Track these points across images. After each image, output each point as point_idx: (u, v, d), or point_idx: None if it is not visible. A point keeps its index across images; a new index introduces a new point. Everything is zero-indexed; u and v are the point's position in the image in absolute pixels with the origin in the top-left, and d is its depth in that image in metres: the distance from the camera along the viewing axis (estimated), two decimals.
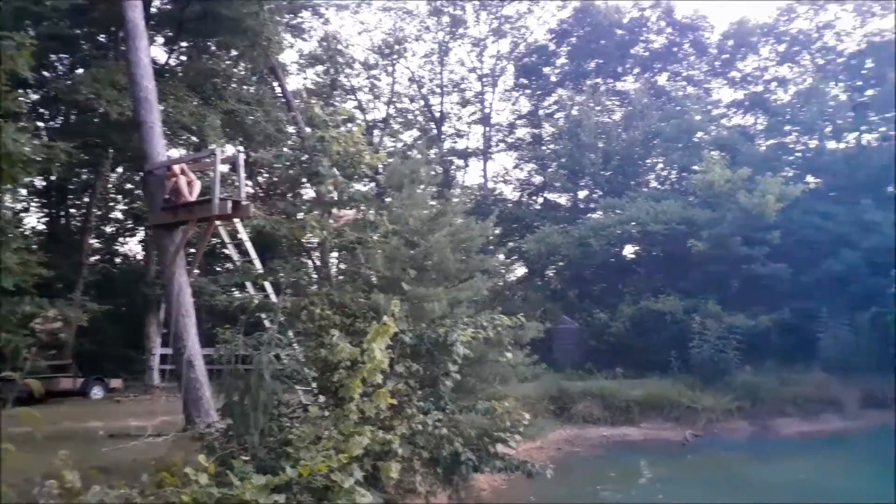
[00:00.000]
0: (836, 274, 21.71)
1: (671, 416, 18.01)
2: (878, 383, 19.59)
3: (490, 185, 34.60)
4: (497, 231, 31.64)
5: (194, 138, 19.17)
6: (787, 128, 28.40)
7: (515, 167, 35.62)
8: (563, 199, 32.64)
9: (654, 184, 29.98)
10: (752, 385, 19.00)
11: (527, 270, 29.58)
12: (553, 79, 34.37)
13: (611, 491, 13.25)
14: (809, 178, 26.96)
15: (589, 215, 28.56)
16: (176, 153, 17.86)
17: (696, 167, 25.80)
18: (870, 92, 28.95)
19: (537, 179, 34.19)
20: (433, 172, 13.37)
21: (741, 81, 32.38)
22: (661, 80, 33.25)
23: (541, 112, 34.66)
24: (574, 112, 29.28)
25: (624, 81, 34.09)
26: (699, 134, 27.39)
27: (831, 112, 26.82)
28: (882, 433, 18.14)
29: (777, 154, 27.26)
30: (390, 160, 14.74)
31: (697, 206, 24.47)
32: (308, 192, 16.04)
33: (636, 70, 33.68)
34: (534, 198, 34.29)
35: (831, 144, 27.93)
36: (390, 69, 32.52)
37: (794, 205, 22.52)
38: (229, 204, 9.93)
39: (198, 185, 10.58)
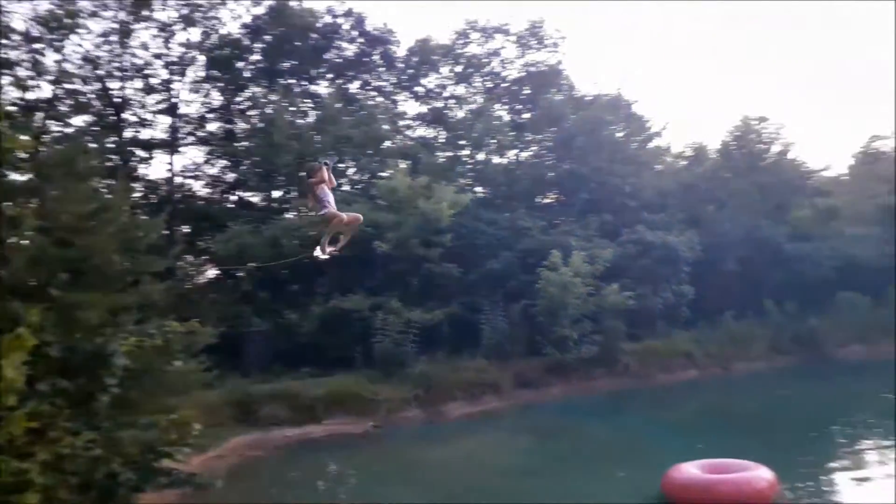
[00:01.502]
0: (496, 272, 24.95)
1: (353, 411, 18.88)
2: (527, 366, 23.01)
3: (178, 179, 32.40)
4: (186, 229, 29.99)
5: None
6: (462, 142, 31.70)
7: (206, 162, 33.90)
8: (256, 198, 32.01)
9: (346, 187, 31.06)
10: (426, 374, 20.86)
11: (219, 272, 28.38)
12: (246, 74, 33.44)
13: (291, 490, 13.42)
14: (478, 189, 30.57)
15: (284, 215, 28.52)
16: None
17: (382, 173, 27.40)
18: (526, 115, 34.00)
19: (230, 176, 33.00)
20: (99, 162, 12.10)
21: (425, 96, 35.17)
22: (353, 87, 34.49)
23: (233, 107, 33.51)
24: (268, 110, 28.92)
25: (318, 85, 34.61)
26: (386, 143, 29.18)
27: (496, 130, 30.61)
28: (530, 409, 21.38)
29: (453, 165, 30.30)
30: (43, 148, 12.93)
31: (383, 210, 26.02)
32: None
33: (329, 75, 34.44)
34: (226, 196, 33.02)
35: (496, 159, 31.93)
36: (58, 44, 28.47)
37: (465, 211, 25.25)
38: None
39: None
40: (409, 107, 35.25)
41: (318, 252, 9.22)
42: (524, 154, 33.06)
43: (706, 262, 27.62)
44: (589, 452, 15.26)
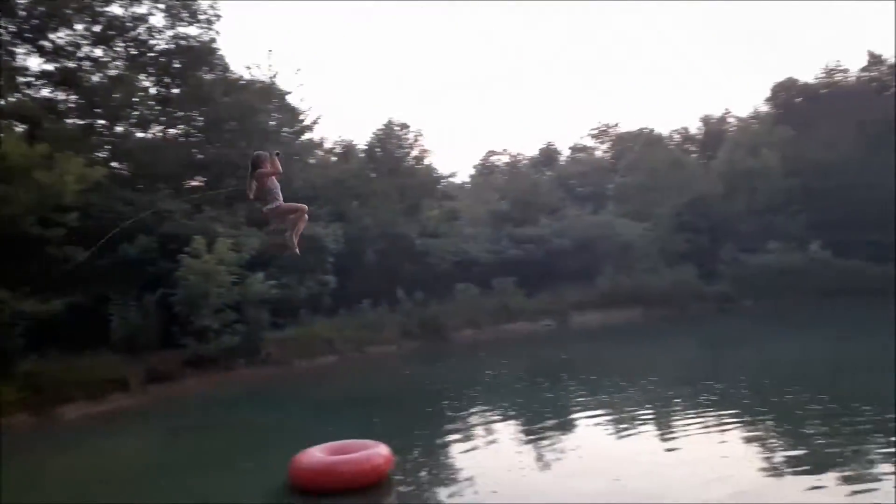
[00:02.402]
0: (132, 258, 22.90)
1: None
2: (162, 360, 21.67)
3: None
4: None
5: None
6: (98, 110, 28.31)
7: None
8: None
9: None
10: (35, 373, 18.22)
11: None
12: None
13: None
14: (115, 164, 27.66)
15: None
16: None
17: None
18: (176, 90, 31.78)
19: None
20: None
21: (53, 53, 30.43)
22: None
23: None
24: None
25: None
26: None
27: (139, 102, 28.04)
28: (163, 405, 20.18)
29: (85, 135, 26.88)
30: None
31: None
32: None
33: None
34: None
35: (139, 133, 29.28)
36: None
37: (97, 188, 22.62)
38: None
39: None
40: (32, 62, 30.18)
41: (295, 249, 8.16)
42: (171, 131, 30.91)
43: (349, 253, 29.42)
44: (220, 446, 15.05)
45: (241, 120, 29.07)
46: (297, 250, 8.28)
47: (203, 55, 32.22)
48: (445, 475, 11.80)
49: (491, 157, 74.70)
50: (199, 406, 20.17)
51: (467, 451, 13.19)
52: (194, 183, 30.80)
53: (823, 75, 63.47)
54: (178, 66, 32.29)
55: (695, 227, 43.17)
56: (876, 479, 9.85)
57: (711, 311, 37.92)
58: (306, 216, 8.30)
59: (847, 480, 9.74)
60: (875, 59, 68.74)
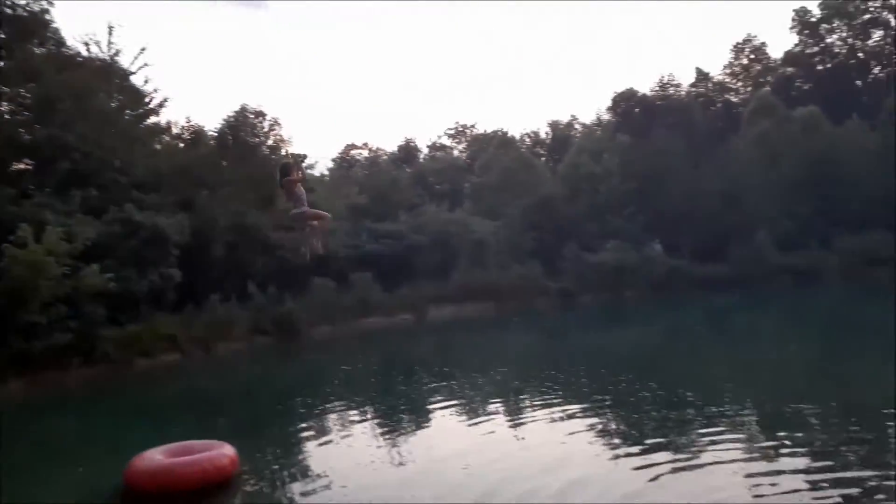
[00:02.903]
0: None
1: None
2: None
3: None
4: None
5: None
6: None
7: None
8: None
9: None
10: None
11: None
12: None
13: None
14: None
15: None
16: None
17: None
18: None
19: None
20: None
21: None
22: None
23: None
24: None
25: None
26: None
27: None
28: None
29: None
30: None
31: None
32: None
33: None
34: None
35: None
36: None
37: None
38: None
39: None
40: None
41: (319, 250, 8.86)
42: None
43: (196, 246, 27.92)
44: (48, 453, 13.79)
45: (77, 100, 26.67)
46: (321, 251, 9.14)
47: (33, 26, 29.18)
48: (296, 472, 11.58)
49: (351, 151, 74.25)
50: (23, 409, 18.27)
51: (320, 447, 13.03)
52: (20, 166, 27.87)
53: (658, 88, 69.15)
54: (2, 36, 29.06)
55: (542, 226, 45.54)
56: (696, 454, 10.91)
57: (556, 305, 40.19)
58: (328, 224, 8.94)
59: (675, 460, 10.68)
60: (702, 76, 75.99)
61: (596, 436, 12.70)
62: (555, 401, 15.82)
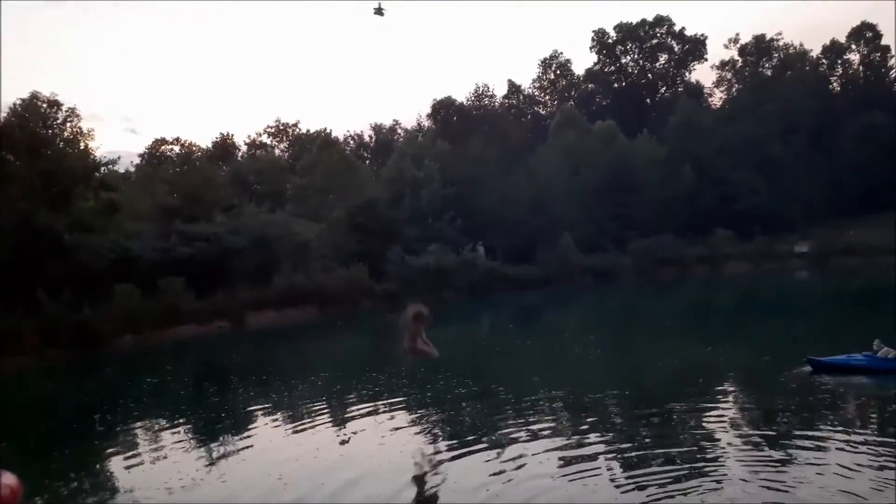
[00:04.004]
0: None
1: None
2: None
3: None
4: None
5: None
6: None
7: None
8: None
9: None
10: None
11: None
12: None
13: None
14: None
15: None
16: None
17: None
18: None
19: None
20: None
21: None
22: None
23: None
24: None
25: None
26: None
27: None
28: None
29: None
30: None
31: None
32: None
33: None
34: None
35: None
36: None
37: None
38: None
39: None
40: None
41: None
42: None
43: None
44: None
45: None
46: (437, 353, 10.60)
47: None
48: (93, 496, 10.67)
49: (161, 147, 69.23)
50: None
51: (125, 467, 12.09)
52: None
53: (474, 98, 72.44)
54: None
55: (367, 228, 45.73)
56: (511, 443, 11.63)
57: (381, 309, 40.50)
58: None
59: (487, 449, 11.32)
60: (514, 88, 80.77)
61: (414, 433, 13.07)
62: (379, 402, 16.01)
